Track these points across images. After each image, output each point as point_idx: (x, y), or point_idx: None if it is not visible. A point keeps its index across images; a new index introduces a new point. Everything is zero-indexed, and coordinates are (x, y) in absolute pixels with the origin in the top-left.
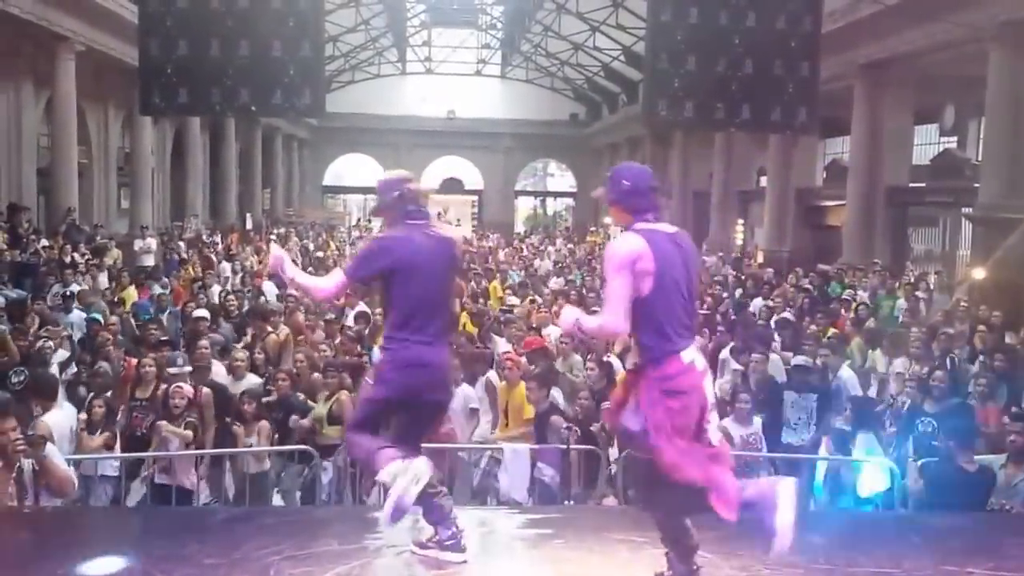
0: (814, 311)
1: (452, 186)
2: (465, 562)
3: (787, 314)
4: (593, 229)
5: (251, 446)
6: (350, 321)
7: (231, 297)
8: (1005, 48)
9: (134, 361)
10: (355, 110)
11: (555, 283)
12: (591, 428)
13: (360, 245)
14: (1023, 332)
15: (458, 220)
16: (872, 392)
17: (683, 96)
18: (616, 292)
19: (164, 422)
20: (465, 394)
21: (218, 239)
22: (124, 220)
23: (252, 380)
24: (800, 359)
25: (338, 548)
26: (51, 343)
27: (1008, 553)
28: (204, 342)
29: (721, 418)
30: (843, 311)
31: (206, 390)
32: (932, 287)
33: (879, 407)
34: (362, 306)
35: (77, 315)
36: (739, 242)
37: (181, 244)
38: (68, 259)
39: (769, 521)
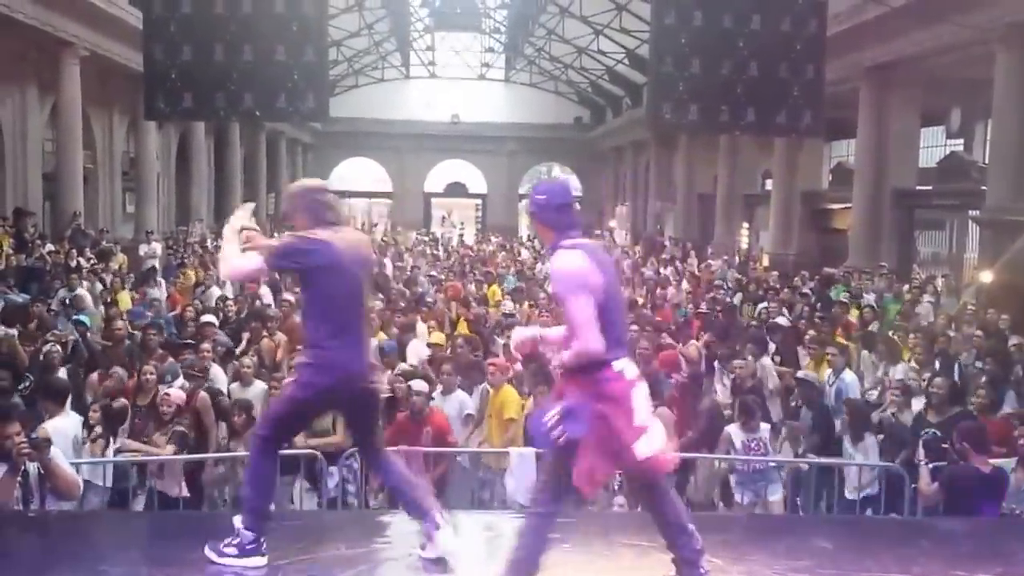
0: (813, 316)
1: (456, 190)
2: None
3: (781, 319)
4: (598, 233)
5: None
6: None
7: (229, 302)
8: (1012, 50)
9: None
10: (359, 114)
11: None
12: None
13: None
14: None
15: (462, 224)
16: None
17: (687, 99)
18: (583, 313)
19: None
20: (460, 400)
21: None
22: (129, 225)
23: (260, 387)
24: (803, 373)
25: (346, 553)
26: (58, 348)
27: (1017, 558)
28: (207, 345)
29: (730, 422)
30: (844, 315)
31: (203, 394)
32: (940, 290)
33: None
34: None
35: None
36: (744, 246)
37: (185, 248)
38: (74, 263)
39: None
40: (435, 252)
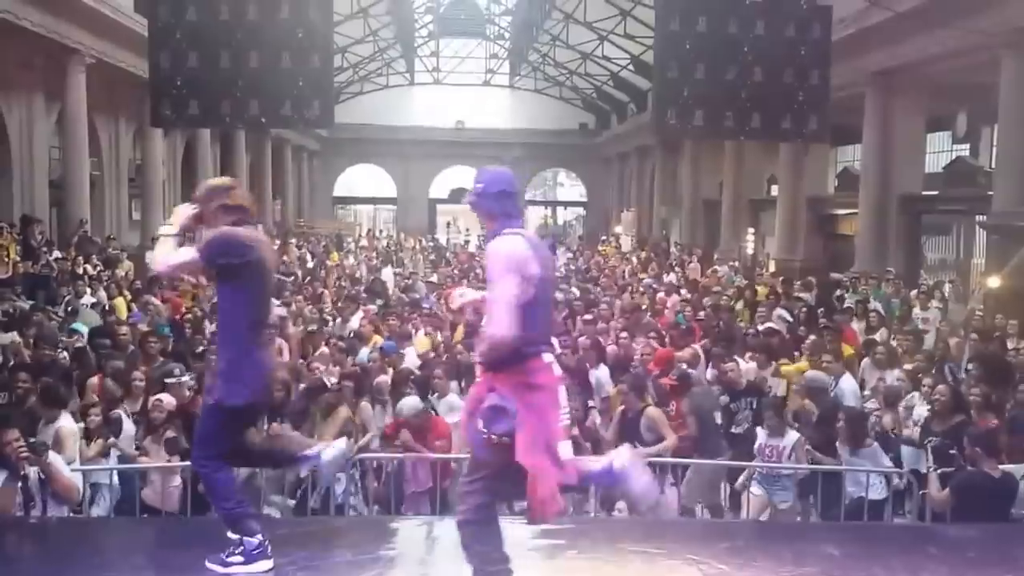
0: (811, 322)
1: (461, 196)
2: None
3: (772, 324)
4: (604, 239)
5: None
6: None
7: None
8: (1018, 55)
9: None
10: (364, 121)
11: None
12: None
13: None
14: None
15: (467, 230)
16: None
17: (692, 105)
18: (508, 295)
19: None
20: (451, 404)
21: None
22: (136, 232)
23: None
24: (812, 373)
25: (352, 558)
26: (65, 354)
27: None
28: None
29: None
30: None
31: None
32: (947, 296)
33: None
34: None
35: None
36: (750, 251)
37: None
38: (80, 271)
39: (631, 487)
40: (431, 259)
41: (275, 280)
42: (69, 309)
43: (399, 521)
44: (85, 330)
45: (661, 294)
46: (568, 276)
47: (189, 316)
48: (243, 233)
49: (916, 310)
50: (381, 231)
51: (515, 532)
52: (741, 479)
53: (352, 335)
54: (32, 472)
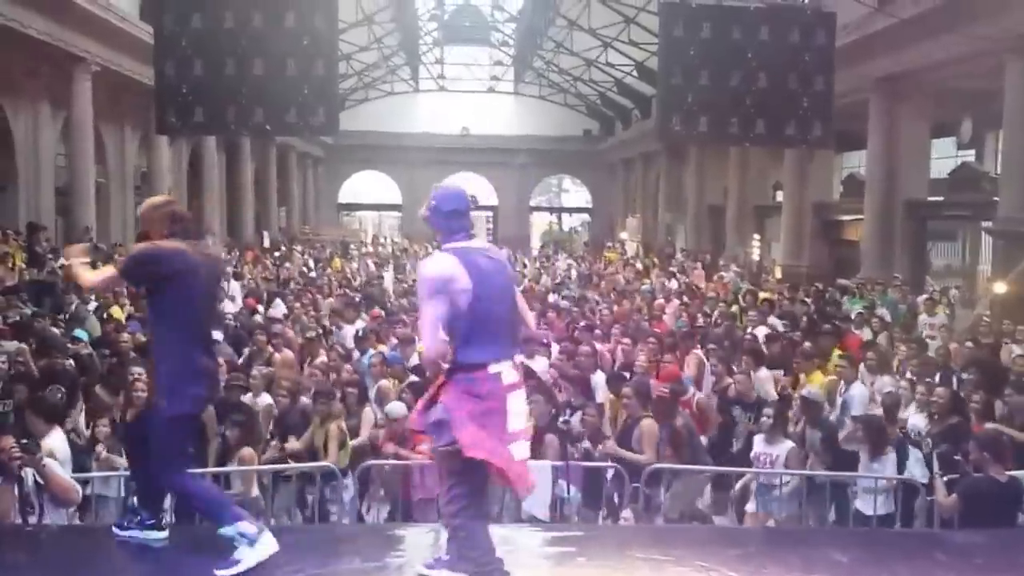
0: (812, 329)
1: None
2: None
3: (762, 329)
4: (609, 245)
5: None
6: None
7: (228, 316)
8: (1022, 60)
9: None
10: (369, 128)
11: (552, 299)
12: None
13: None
14: None
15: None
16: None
17: (697, 111)
18: (428, 318)
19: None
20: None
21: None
22: None
23: (266, 399)
24: (806, 391)
25: (360, 566)
26: (71, 362)
27: None
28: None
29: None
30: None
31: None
32: (954, 301)
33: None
34: (360, 323)
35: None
36: (756, 257)
37: None
38: None
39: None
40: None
41: (216, 287)
42: (69, 316)
43: (406, 528)
44: (87, 337)
45: (660, 300)
46: (564, 282)
47: None
48: (166, 246)
49: (923, 316)
50: (386, 237)
51: (525, 539)
52: (738, 487)
53: (359, 333)
54: (28, 476)
